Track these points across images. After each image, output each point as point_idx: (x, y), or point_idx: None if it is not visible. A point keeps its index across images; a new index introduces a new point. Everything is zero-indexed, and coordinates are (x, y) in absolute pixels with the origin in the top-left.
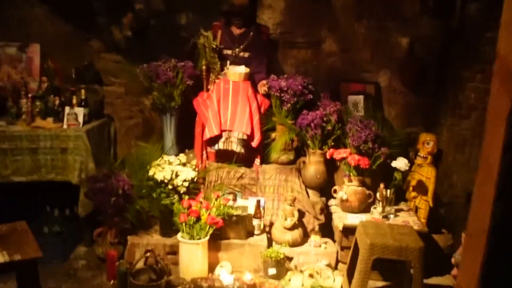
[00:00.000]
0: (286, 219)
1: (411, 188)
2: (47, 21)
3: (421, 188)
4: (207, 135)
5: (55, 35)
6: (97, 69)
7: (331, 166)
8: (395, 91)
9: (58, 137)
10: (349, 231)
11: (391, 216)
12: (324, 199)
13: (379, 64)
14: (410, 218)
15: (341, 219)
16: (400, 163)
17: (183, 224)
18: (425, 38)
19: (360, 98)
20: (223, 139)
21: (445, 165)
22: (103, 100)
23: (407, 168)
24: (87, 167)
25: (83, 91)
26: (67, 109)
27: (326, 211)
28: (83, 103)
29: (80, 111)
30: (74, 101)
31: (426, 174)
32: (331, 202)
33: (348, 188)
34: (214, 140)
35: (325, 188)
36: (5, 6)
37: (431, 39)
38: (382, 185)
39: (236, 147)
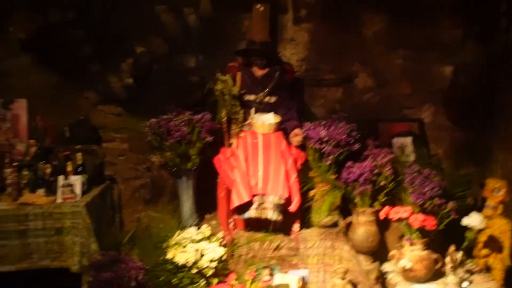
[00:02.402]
0: None
1: (480, 245)
2: (33, 72)
3: (494, 244)
4: (235, 202)
5: (43, 87)
6: (94, 124)
7: (380, 223)
8: (440, 128)
9: (52, 215)
10: None
11: (466, 283)
12: (378, 264)
13: (420, 98)
14: (488, 284)
15: None
16: (474, 221)
17: None
18: (469, 66)
19: (408, 140)
20: (255, 206)
21: None
22: (103, 161)
23: (482, 226)
24: (89, 249)
25: (79, 155)
26: (60, 179)
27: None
28: (80, 169)
29: (77, 180)
30: (69, 168)
31: (500, 227)
32: (387, 266)
33: (411, 254)
34: (243, 206)
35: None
36: None
37: (475, 67)
38: (452, 248)
39: (272, 215)
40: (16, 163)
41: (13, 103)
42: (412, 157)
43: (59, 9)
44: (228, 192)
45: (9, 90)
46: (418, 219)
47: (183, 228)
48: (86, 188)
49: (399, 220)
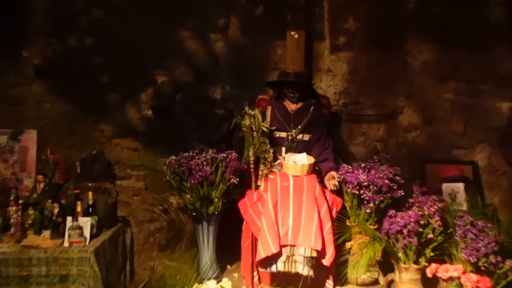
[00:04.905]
0: None
1: None
2: (46, 101)
3: None
4: (262, 254)
5: (56, 118)
6: (109, 159)
7: (427, 281)
8: (497, 172)
9: (57, 260)
10: None
11: None
12: None
13: (474, 137)
14: None
15: None
16: None
17: None
18: None
19: (460, 186)
20: (283, 258)
21: None
22: (116, 201)
23: None
24: None
25: (90, 194)
26: (68, 220)
27: None
28: (90, 210)
29: (87, 223)
30: (79, 208)
31: None
32: None
33: None
34: (271, 258)
35: None
36: None
37: None
38: None
39: (303, 269)
40: (21, 201)
41: (22, 134)
42: (464, 206)
43: (77, 34)
44: (254, 242)
45: (20, 120)
46: (471, 279)
47: (201, 280)
48: (96, 231)
49: (449, 279)
